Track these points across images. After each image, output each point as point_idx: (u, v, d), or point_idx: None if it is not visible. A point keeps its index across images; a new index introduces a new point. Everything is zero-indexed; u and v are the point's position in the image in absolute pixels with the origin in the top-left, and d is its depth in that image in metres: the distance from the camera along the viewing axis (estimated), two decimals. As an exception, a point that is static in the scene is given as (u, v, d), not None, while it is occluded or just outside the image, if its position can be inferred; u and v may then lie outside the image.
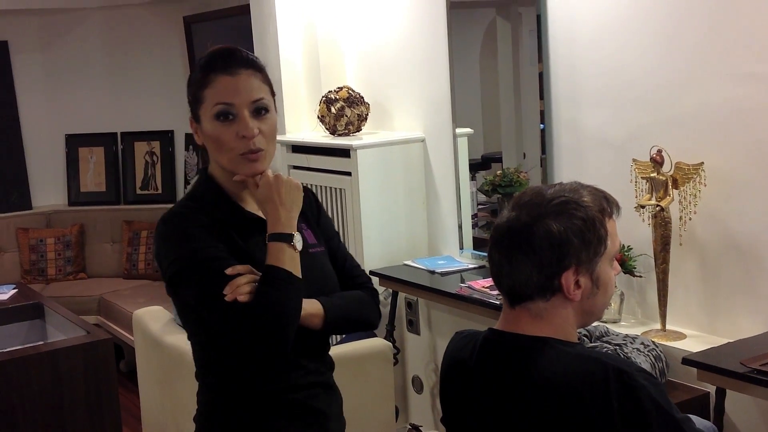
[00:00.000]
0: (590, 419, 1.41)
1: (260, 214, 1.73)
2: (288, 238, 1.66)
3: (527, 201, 1.53)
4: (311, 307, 1.68)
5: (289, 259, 1.64)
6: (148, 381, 3.13)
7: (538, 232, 1.47)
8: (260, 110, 1.68)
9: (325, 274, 1.78)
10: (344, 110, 3.81)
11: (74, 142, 5.81)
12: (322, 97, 3.87)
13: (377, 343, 2.87)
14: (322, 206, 1.91)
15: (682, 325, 2.71)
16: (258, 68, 1.71)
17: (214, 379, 1.74)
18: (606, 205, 1.53)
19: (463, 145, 3.61)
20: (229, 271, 1.61)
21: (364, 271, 1.90)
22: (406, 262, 3.59)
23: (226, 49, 1.73)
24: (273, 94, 1.73)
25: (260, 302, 1.59)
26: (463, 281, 3.26)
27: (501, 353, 1.54)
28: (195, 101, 1.71)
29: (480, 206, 3.76)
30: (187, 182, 5.72)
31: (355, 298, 1.80)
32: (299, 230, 1.75)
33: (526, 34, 3.47)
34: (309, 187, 1.86)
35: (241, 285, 1.60)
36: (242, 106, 1.67)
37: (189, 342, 1.78)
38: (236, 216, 1.72)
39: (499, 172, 3.55)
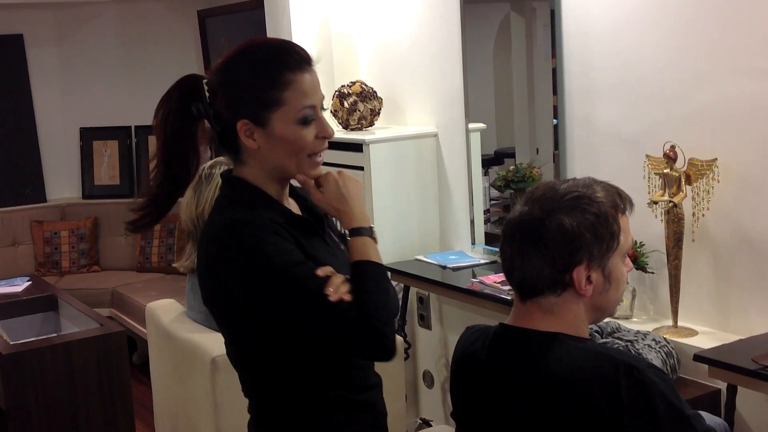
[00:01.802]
0: (600, 415, 1.41)
1: (298, 212, 1.67)
2: (368, 232, 1.61)
3: (540, 195, 1.53)
4: None
5: (374, 251, 1.60)
6: (160, 373, 3.14)
7: (551, 226, 1.47)
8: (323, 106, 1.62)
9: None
10: (357, 105, 3.81)
11: (89, 136, 5.83)
12: (335, 91, 3.88)
13: (389, 337, 2.87)
14: None
15: (693, 322, 2.70)
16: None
17: (281, 393, 1.63)
18: (619, 201, 1.53)
19: (475, 140, 3.60)
20: (319, 272, 1.52)
21: None
22: (417, 257, 3.59)
23: (288, 43, 1.62)
24: None
25: (368, 298, 1.51)
26: (474, 276, 3.26)
27: (511, 348, 1.54)
28: (266, 104, 1.56)
29: (492, 201, 3.76)
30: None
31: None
32: (327, 235, 1.71)
33: (540, 28, 3.45)
34: None
35: (339, 284, 1.52)
36: (319, 105, 1.59)
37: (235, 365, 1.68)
38: (286, 217, 1.61)
39: (512, 167, 3.54)
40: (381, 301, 1.53)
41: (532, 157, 3.53)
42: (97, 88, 5.78)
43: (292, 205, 1.70)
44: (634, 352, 2.41)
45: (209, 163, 2.45)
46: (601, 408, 1.41)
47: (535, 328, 1.52)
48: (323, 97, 1.61)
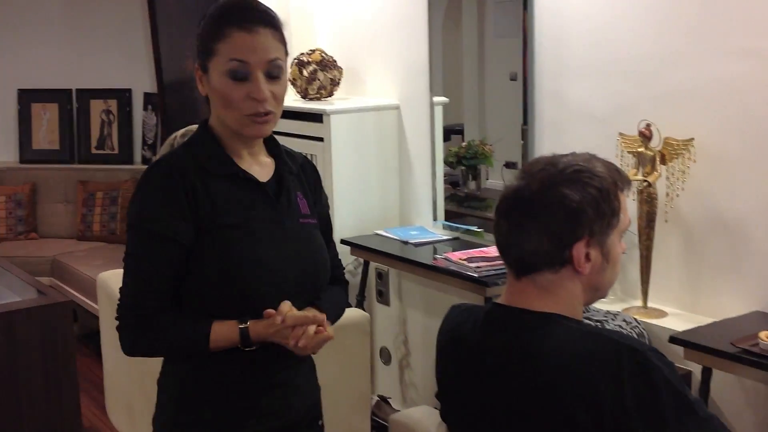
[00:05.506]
0: (600, 400, 1.35)
1: (252, 172, 1.69)
2: (246, 343, 1.62)
3: (540, 169, 1.47)
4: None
5: (222, 342, 1.63)
6: (112, 347, 3.02)
7: (553, 199, 1.42)
8: (274, 72, 1.62)
9: (316, 247, 1.74)
10: (317, 74, 3.70)
11: (27, 98, 5.60)
12: (294, 59, 3.75)
13: (355, 313, 2.80)
14: (322, 186, 1.86)
15: (663, 303, 2.69)
16: (277, 26, 1.64)
17: None
18: (618, 178, 1.48)
19: (438, 114, 3.53)
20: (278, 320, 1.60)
21: (341, 261, 1.89)
22: (377, 232, 3.51)
23: (249, 2, 1.65)
24: (287, 53, 1.67)
25: (156, 344, 1.64)
26: (436, 252, 3.20)
27: (506, 329, 1.48)
28: (205, 52, 1.64)
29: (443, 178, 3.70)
30: (144, 143, 5.55)
31: (341, 301, 1.83)
32: (295, 198, 1.72)
33: (491, 5, 3.39)
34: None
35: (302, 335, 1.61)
36: (257, 66, 1.60)
37: None
38: (228, 170, 1.67)
39: (464, 144, 3.49)
40: (158, 338, 1.63)
41: (482, 134, 3.48)
42: (38, 48, 5.54)
43: (265, 164, 1.72)
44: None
45: (182, 131, 2.34)
46: (601, 393, 1.36)
47: (531, 307, 1.46)
48: (271, 60, 1.60)
